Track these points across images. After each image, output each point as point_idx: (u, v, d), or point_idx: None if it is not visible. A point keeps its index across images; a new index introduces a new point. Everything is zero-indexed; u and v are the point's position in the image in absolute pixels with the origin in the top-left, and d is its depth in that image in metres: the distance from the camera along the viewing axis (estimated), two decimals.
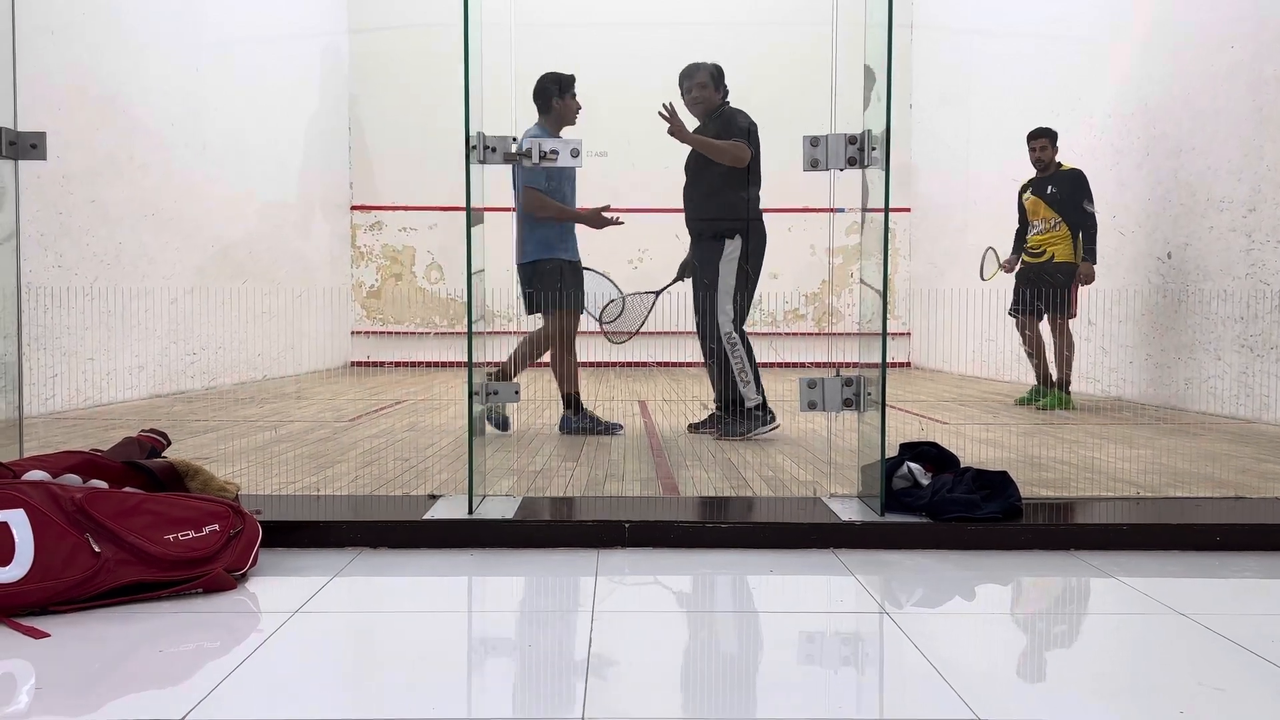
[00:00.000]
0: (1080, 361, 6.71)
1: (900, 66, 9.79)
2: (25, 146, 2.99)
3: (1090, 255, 6.23)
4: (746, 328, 4.70)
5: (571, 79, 4.85)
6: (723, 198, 4.64)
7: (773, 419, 4.65)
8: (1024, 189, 6.60)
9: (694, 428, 4.85)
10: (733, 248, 4.63)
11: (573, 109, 4.84)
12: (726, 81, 4.84)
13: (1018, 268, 6.59)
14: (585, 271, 5.03)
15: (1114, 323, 6.96)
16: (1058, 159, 6.45)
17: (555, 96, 4.81)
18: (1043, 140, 6.43)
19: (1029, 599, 2.39)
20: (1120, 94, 7.04)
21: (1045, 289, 6.28)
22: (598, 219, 4.81)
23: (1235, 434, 5.06)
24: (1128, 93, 6.96)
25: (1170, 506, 3.10)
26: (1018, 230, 6.67)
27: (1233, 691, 1.72)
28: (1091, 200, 6.26)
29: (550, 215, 4.75)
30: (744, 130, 4.63)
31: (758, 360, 4.67)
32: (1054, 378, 6.36)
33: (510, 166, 3.02)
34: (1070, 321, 6.40)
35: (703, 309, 4.67)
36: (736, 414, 4.60)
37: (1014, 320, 6.60)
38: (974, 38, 9.07)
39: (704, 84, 4.76)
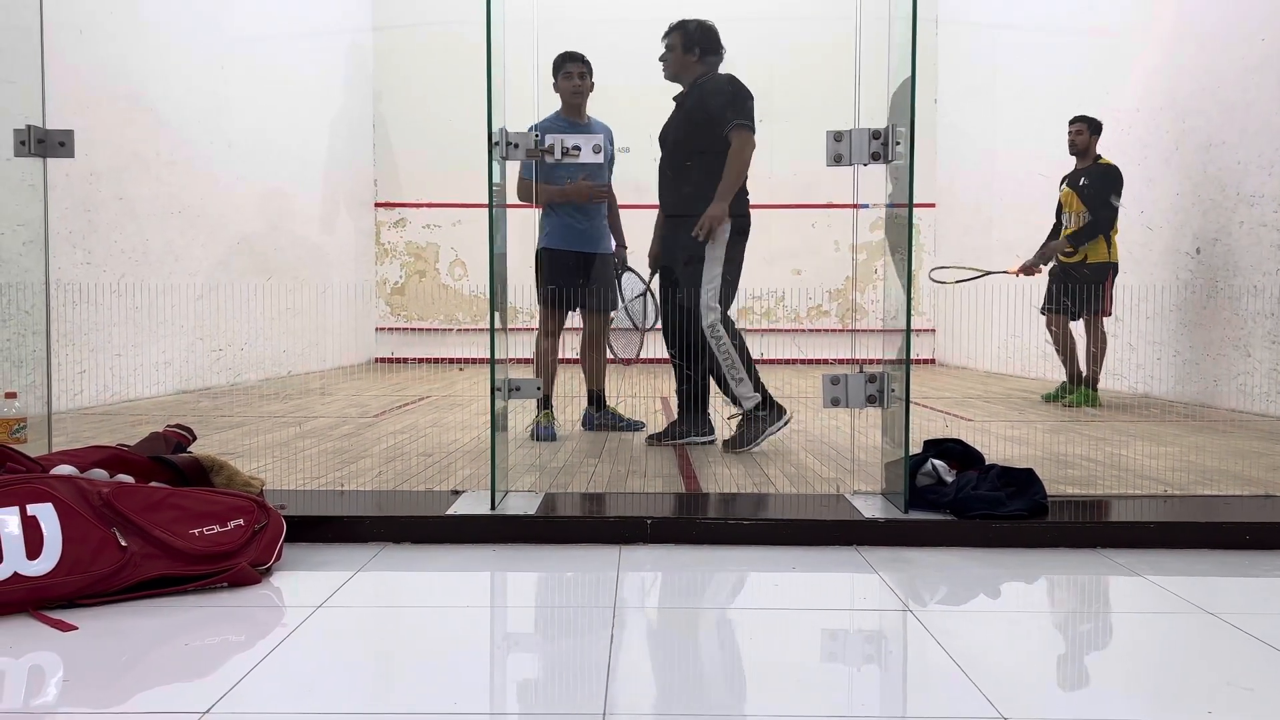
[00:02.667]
0: (1108, 358, 6.64)
1: (925, 61, 9.73)
2: (54, 144, 3.03)
3: (1075, 240, 6.16)
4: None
5: (562, 58, 4.67)
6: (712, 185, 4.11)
7: (781, 414, 4.12)
8: (1063, 181, 6.52)
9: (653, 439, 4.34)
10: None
11: (566, 89, 4.65)
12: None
13: (1051, 265, 6.49)
14: (627, 274, 4.92)
15: (1142, 319, 6.88)
16: (1098, 152, 6.35)
17: (553, 81, 4.71)
18: (1079, 125, 6.34)
19: (1054, 597, 2.37)
20: (1148, 87, 6.96)
21: (1080, 287, 6.21)
22: (581, 190, 4.58)
23: (1265, 431, 4.99)
24: (1156, 86, 6.88)
25: (1198, 505, 3.07)
26: (1053, 226, 6.57)
27: (1262, 691, 1.70)
28: (1119, 195, 6.18)
29: (544, 199, 4.60)
30: (739, 111, 4.05)
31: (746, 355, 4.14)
32: (1083, 375, 6.30)
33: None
34: (1104, 320, 6.33)
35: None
36: (751, 419, 4.09)
37: (1044, 318, 6.53)
38: (999, 31, 8.99)
39: (672, 46, 4.24)
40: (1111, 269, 6.23)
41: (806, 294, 10.32)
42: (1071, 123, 6.37)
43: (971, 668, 1.79)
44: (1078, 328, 6.47)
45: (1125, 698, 1.69)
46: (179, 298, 6.68)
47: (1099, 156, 6.33)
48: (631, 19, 9.80)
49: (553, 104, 4.83)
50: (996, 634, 2.05)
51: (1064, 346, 6.36)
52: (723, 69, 4.36)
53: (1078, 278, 6.21)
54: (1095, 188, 6.22)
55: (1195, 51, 6.45)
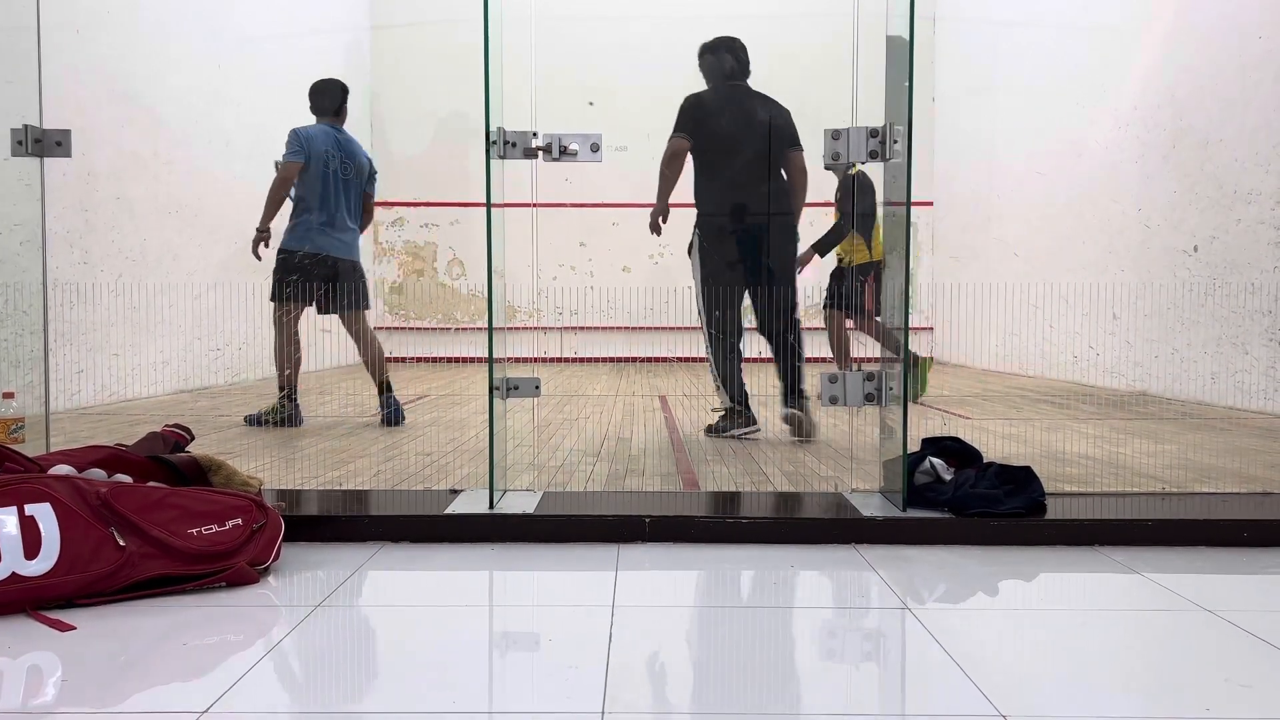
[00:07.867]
0: (1105, 355, 6.65)
1: (923, 58, 9.74)
2: (51, 144, 3.02)
3: (820, 249, 6.37)
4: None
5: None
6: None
7: (748, 422, 4.49)
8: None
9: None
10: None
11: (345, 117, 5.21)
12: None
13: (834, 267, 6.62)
14: None
15: (1139, 317, 6.89)
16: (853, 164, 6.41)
17: (343, 104, 5.26)
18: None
19: (1052, 595, 2.37)
20: (1146, 85, 6.96)
21: (850, 287, 6.33)
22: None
23: (1263, 429, 5.00)
24: (1154, 83, 6.88)
25: (1196, 502, 3.07)
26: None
27: (1260, 689, 1.70)
28: (867, 201, 6.25)
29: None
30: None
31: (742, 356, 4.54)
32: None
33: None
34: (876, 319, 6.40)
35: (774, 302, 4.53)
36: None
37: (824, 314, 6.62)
38: (997, 28, 9.00)
39: None
40: (874, 269, 6.30)
41: (805, 292, 10.31)
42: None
43: (970, 665, 1.79)
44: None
45: (1123, 695, 1.70)
46: (177, 297, 6.68)
47: (850, 165, 6.37)
48: (630, 17, 9.80)
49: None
50: (995, 632, 2.05)
51: (837, 343, 6.44)
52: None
53: (849, 278, 6.33)
54: (841, 196, 6.33)
55: (1194, 49, 6.45)
